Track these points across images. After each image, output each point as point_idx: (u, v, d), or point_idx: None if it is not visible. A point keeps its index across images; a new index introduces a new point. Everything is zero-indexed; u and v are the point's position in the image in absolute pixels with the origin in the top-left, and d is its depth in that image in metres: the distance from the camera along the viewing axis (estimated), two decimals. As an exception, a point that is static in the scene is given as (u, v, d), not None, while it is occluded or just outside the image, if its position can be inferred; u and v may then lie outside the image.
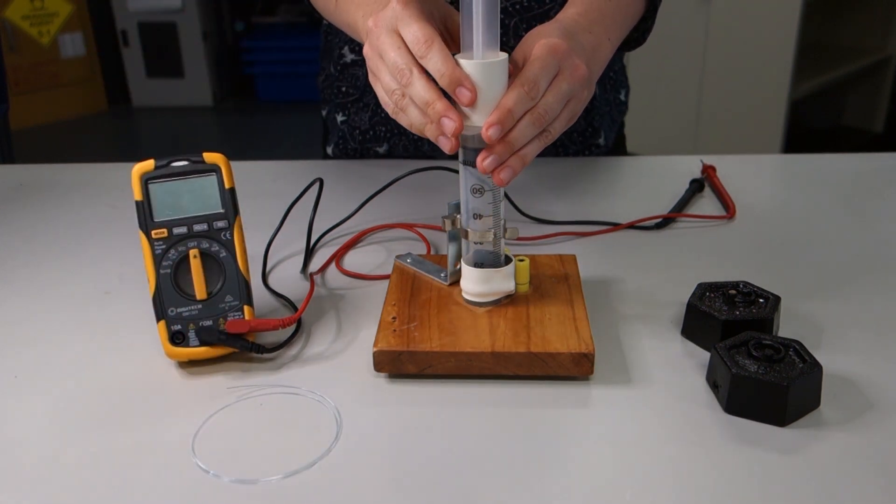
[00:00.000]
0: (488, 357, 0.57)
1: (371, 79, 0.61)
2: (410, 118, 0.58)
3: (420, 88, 0.56)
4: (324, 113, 1.11)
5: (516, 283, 0.64)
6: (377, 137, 1.03)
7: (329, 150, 1.08)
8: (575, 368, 0.57)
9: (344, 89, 1.02)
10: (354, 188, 0.94)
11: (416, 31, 0.56)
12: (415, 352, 0.57)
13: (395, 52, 0.57)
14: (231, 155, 0.66)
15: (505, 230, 0.62)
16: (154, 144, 3.86)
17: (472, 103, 0.55)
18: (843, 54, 3.12)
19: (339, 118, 1.04)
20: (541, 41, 0.59)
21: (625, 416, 0.54)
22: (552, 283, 0.66)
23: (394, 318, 0.62)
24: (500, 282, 0.62)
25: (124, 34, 4.11)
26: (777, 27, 2.64)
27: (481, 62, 0.55)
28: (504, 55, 0.56)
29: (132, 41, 4.13)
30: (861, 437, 0.51)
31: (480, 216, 0.60)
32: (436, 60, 0.55)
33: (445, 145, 0.56)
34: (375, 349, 0.58)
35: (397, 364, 0.58)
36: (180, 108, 4.20)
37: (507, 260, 0.63)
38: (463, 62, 0.55)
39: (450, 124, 0.55)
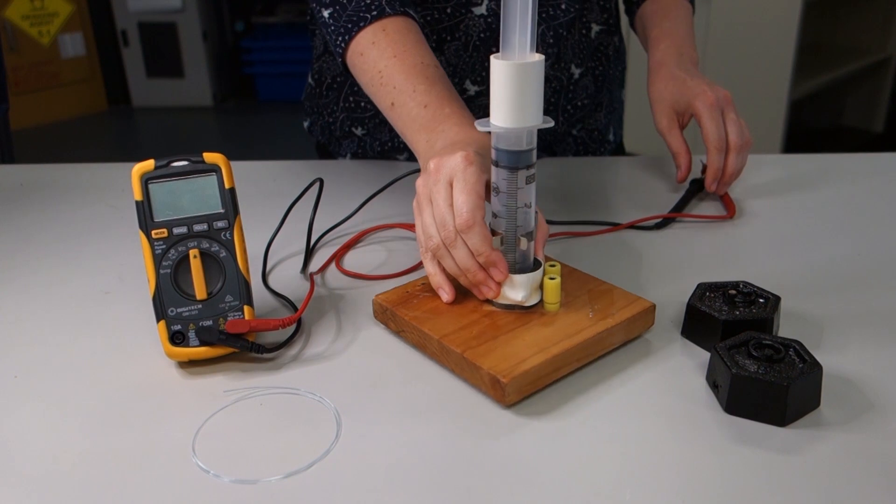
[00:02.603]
0: (435, 343, 0.59)
1: (416, 207, 0.65)
2: (446, 264, 0.62)
3: (462, 254, 0.60)
4: (306, 124, 1.10)
5: (545, 302, 0.62)
6: (397, 148, 1.03)
7: (348, 158, 1.08)
8: (491, 390, 0.55)
9: (363, 104, 1.01)
10: (354, 188, 0.94)
11: (463, 203, 0.59)
12: (396, 314, 0.62)
13: (444, 209, 0.60)
14: (231, 155, 0.66)
15: (519, 239, 0.61)
16: (154, 144, 3.86)
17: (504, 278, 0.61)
18: (843, 54, 3.12)
19: (359, 132, 1.03)
20: (696, 102, 0.86)
21: (625, 416, 0.54)
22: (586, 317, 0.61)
23: (423, 283, 0.66)
24: (508, 288, 0.61)
25: (124, 34, 4.11)
26: (777, 27, 2.64)
27: (520, 63, 0.56)
28: (540, 56, 0.56)
29: (132, 41, 4.13)
30: (861, 437, 0.51)
31: (496, 216, 0.61)
32: (475, 241, 0.59)
33: (489, 292, 0.61)
34: (375, 297, 0.64)
35: (385, 317, 0.64)
36: (180, 108, 4.20)
37: (529, 268, 0.62)
38: (500, 63, 0.56)
39: (497, 276, 0.60)
